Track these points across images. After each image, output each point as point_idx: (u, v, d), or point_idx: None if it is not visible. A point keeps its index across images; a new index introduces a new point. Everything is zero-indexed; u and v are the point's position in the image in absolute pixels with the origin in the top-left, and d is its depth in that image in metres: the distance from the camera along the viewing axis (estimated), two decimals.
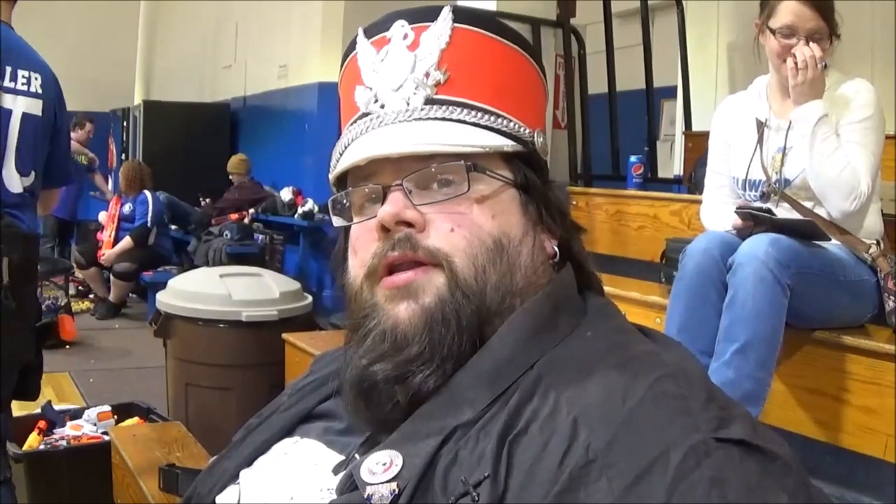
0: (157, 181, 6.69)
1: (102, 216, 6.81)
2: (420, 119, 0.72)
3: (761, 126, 2.20)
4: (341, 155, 0.76)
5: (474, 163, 0.71)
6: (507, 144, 0.73)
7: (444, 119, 0.72)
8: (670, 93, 4.93)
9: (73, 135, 7.66)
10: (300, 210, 6.17)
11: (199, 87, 8.95)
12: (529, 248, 0.73)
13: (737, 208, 2.10)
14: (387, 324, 0.69)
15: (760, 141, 2.20)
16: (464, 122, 0.72)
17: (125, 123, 8.58)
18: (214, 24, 8.64)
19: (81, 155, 7.79)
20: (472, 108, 0.73)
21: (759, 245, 1.93)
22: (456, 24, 0.73)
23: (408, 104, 0.73)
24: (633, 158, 3.68)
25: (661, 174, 4.67)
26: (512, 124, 0.74)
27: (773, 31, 2.12)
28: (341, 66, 0.80)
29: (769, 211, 2.07)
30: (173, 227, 6.99)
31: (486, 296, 0.69)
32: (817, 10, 2.04)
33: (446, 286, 0.68)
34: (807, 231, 2.02)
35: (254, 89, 7.72)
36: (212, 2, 8.60)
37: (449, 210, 0.70)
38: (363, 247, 0.73)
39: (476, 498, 0.59)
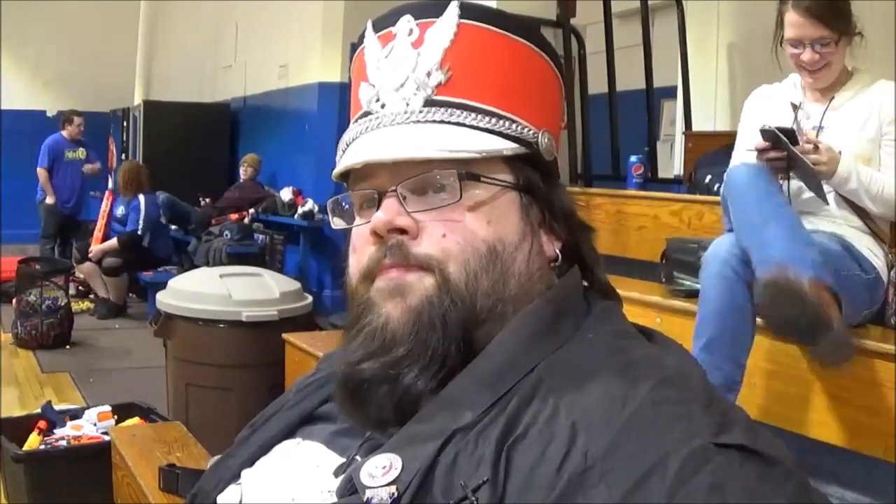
0: (157, 181, 6.68)
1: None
2: (418, 122, 0.71)
3: (795, 109, 2.22)
4: (343, 152, 0.75)
5: (469, 170, 0.70)
6: (506, 148, 0.72)
7: (442, 122, 0.71)
8: (670, 93, 4.91)
9: (63, 131, 7.69)
10: (300, 210, 6.17)
11: (199, 87, 8.94)
12: (526, 253, 0.72)
13: (760, 128, 2.09)
14: (379, 321, 0.69)
15: (795, 122, 2.20)
16: (462, 124, 0.71)
17: (125, 123, 8.58)
18: (214, 24, 8.63)
19: (78, 150, 7.79)
20: (472, 109, 0.71)
21: (722, 244, 1.98)
22: (462, 21, 0.72)
23: (407, 105, 0.71)
24: (633, 158, 3.68)
25: (661, 174, 4.66)
26: (514, 126, 0.72)
27: (782, 42, 2.16)
28: (351, 57, 0.79)
29: (793, 135, 2.05)
30: (173, 227, 6.98)
31: (476, 301, 0.69)
32: (820, 19, 2.06)
33: (435, 289, 0.68)
34: (810, 180, 2.04)
35: (254, 89, 7.71)
36: (212, 2, 8.59)
37: (443, 217, 0.70)
38: (360, 249, 0.73)
39: (475, 502, 0.59)
